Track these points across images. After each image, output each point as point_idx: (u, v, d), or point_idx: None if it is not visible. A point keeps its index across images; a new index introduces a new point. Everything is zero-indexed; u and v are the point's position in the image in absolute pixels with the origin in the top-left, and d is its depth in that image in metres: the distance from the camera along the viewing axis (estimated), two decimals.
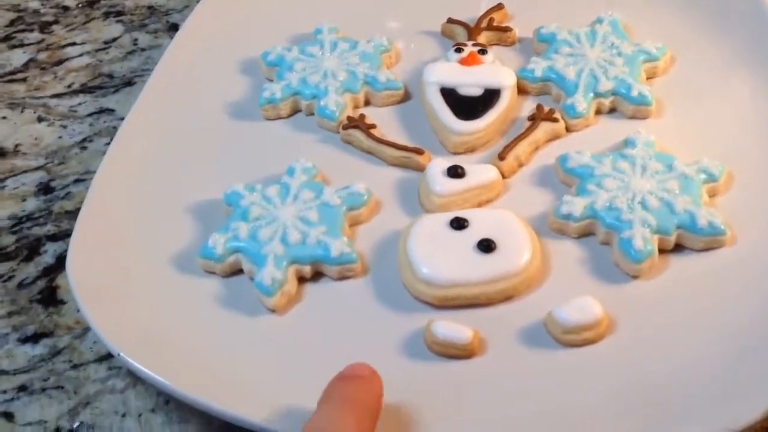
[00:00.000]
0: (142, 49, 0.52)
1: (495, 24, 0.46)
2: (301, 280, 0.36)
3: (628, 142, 0.39)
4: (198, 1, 0.50)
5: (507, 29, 0.46)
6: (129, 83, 0.49)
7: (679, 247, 0.35)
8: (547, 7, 0.48)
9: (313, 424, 0.28)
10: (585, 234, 0.36)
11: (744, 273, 0.34)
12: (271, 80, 0.45)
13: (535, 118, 0.41)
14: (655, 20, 0.46)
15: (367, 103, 0.44)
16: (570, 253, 0.36)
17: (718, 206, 0.37)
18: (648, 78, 0.43)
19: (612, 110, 0.42)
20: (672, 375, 0.31)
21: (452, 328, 0.32)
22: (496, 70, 0.43)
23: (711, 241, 0.35)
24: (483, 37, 0.46)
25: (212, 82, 0.45)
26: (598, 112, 0.42)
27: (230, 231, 0.36)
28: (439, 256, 0.34)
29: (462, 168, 0.38)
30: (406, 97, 0.44)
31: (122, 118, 0.47)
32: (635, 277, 0.35)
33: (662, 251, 0.35)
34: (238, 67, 0.46)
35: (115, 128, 0.47)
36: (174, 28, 0.53)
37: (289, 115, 0.44)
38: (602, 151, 0.40)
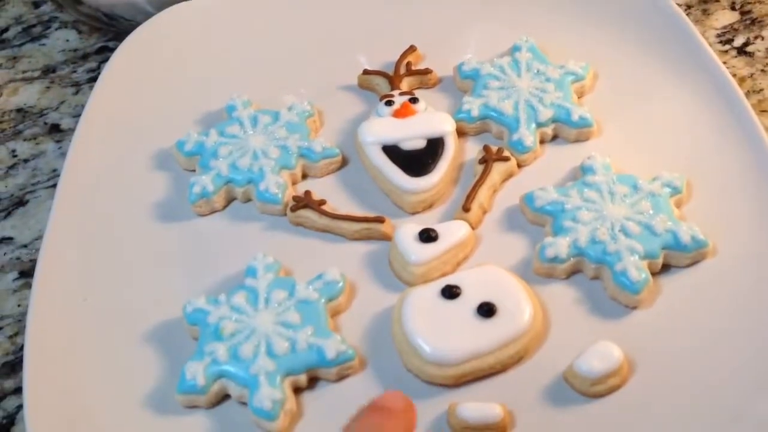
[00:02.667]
0: (25, 161, 0.46)
1: (413, 68, 0.45)
2: (297, 390, 0.33)
3: (585, 169, 0.38)
4: (73, 91, 0.45)
5: (427, 71, 0.44)
6: (21, 203, 0.43)
7: (665, 267, 0.35)
8: (455, 41, 0.47)
9: None
10: (573, 273, 0.36)
11: (735, 278, 0.35)
12: (192, 170, 0.41)
13: (486, 161, 0.39)
14: (568, 39, 0.46)
15: (304, 176, 0.41)
16: (563, 296, 0.35)
17: (687, 217, 0.37)
18: (579, 98, 0.43)
19: (555, 137, 0.41)
20: (704, 397, 0.31)
21: (480, 408, 0.30)
22: (433, 118, 0.41)
23: (696, 255, 0.35)
24: (405, 84, 0.44)
25: (127, 185, 0.41)
26: (542, 141, 0.41)
27: (206, 356, 0.32)
28: (442, 332, 0.32)
29: (434, 230, 0.36)
30: (344, 161, 0.41)
31: (25, 245, 0.41)
32: (634, 308, 0.34)
33: (652, 275, 0.35)
34: (152, 162, 0.42)
35: (20, 259, 0.41)
36: (56, 129, 0.47)
37: (225, 207, 0.40)
38: (561, 183, 0.39)
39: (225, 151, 0.40)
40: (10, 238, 0.42)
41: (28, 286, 0.39)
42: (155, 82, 0.45)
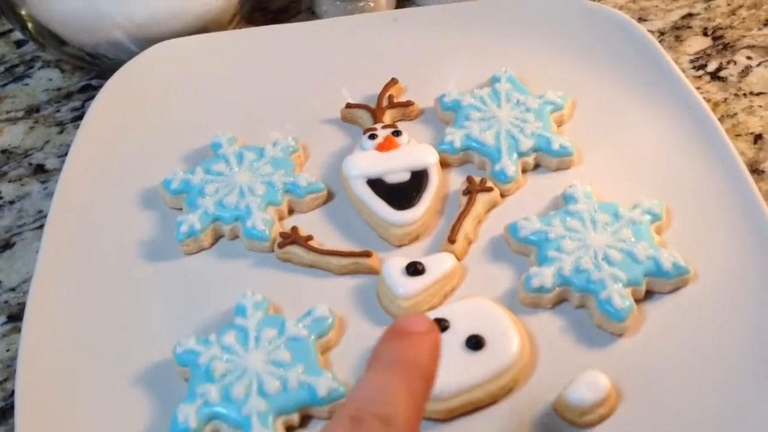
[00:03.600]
0: (11, 202, 0.46)
1: (395, 100, 0.45)
2: (290, 429, 0.33)
3: (567, 198, 0.39)
4: (57, 131, 0.45)
5: (408, 104, 0.45)
6: (7, 245, 0.43)
7: (648, 293, 0.36)
8: (436, 72, 0.48)
9: (356, 393, 0.25)
10: (559, 302, 0.36)
11: (716, 303, 0.35)
12: (179, 209, 0.41)
13: (470, 192, 0.40)
14: (545, 68, 0.46)
15: (291, 211, 0.41)
16: (549, 325, 0.35)
17: (667, 242, 0.38)
18: (558, 127, 0.43)
19: (536, 166, 0.42)
20: (691, 422, 0.32)
21: None
22: (416, 150, 0.42)
23: (678, 281, 0.35)
24: (387, 116, 0.45)
25: (114, 225, 0.41)
26: (524, 170, 0.42)
27: (198, 397, 0.32)
28: None
29: (420, 263, 0.37)
30: (330, 195, 0.42)
31: (12, 289, 0.41)
32: (620, 335, 0.35)
33: (636, 301, 0.35)
34: (138, 201, 0.42)
35: (8, 302, 0.41)
36: (41, 169, 0.47)
37: (212, 244, 0.40)
38: (543, 211, 0.40)
39: (211, 189, 0.41)
40: None
41: (17, 330, 0.39)
42: (140, 120, 0.45)
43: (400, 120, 0.45)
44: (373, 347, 0.27)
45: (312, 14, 0.56)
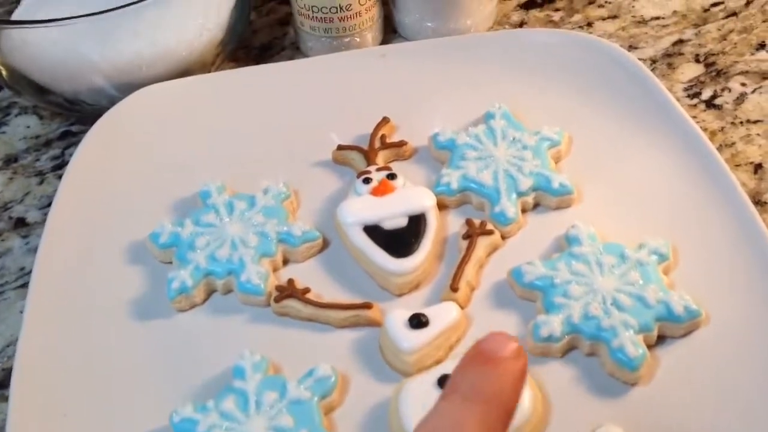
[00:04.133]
0: None
1: (388, 140, 0.44)
2: None
3: (571, 240, 0.38)
4: (38, 181, 0.44)
5: (402, 144, 0.44)
6: None
7: (659, 338, 0.35)
8: (427, 110, 0.46)
9: (427, 423, 0.23)
10: (568, 350, 0.35)
11: (730, 345, 0.34)
12: (169, 263, 0.40)
13: (471, 236, 0.39)
14: (538, 102, 0.46)
15: (285, 261, 0.40)
16: (560, 375, 0.34)
17: (676, 284, 0.37)
18: (555, 163, 0.43)
19: (536, 205, 0.41)
20: None
21: None
22: (412, 194, 0.40)
23: (690, 325, 0.34)
24: (380, 157, 0.43)
25: (102, 283, 0.39)
26: (523, 210, 0.41)
27: None
28: None
29: (424, 315, 0.35)
30: (325, 243, 0.40)
31: None
32: (634, 384, 0.34)
33: (648, 347, 0.34)
34: (126, 256, 0.40)
35: None
36: (21, 223, 0.45)
37: (205, 300, 0.39)
38: (546, 253, 0.39)
39: (202, 242, 0.39)
40: None
41: (4, 398, 0.37)
42: (125, 168, 0.44)
43: (393, 160, 0.44)
44: (453, 370, 0.24)
45: (297, 50, 0.55)
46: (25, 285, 0.42)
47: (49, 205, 0.46)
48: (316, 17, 0.51)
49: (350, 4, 0.50)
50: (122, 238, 0.41)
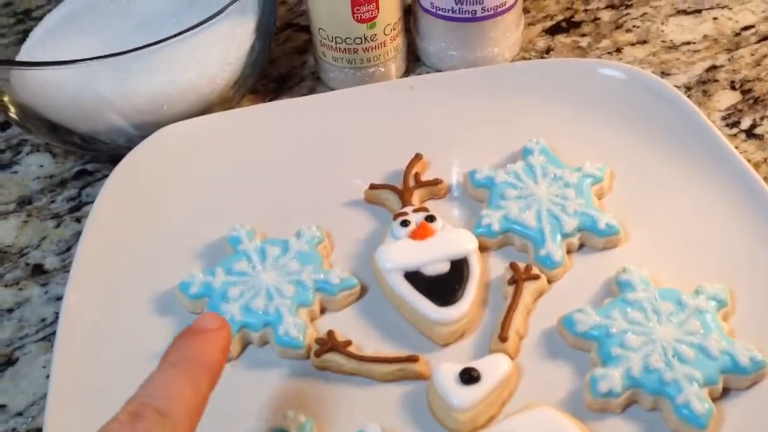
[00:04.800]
0: (9, 310, 0.41)
1: (422, 178, 0.43)
2: None
3: (623, 285, 0.36)
4: (54, 224, 0.42)
5: (437, 182, 0.42)
6: (10, 361, 0.39)
7: (724, 390, 0.33)
8: (458, 144, 0.45)
9: (139, 391, 0.27)
10: (628, 405, 0.33)
11: None
12: (199, 313, 0.38)
13: (516, 281, 0.37)
14: (574, 135, 0.44)
15: (322, 310, 0.38)
16: None
17: (736, 332, 0.35)
18: (598, 200, 0.41)
19: (581, 246, 0.39)
20: None
21: None
22: (454, 237, 0.39)
23: (756, 376, 0.33)
24: (415, 197, 0.42)
25: (130, 336, 0.37)
26: (568, 251, 0.39)
27: None
28: None
29: (475, 370, 0.33)
30: (362, 290, 0.39)
31: (20, 413, 0.38)
32: None
33: (712, 401, 0.33)
34: (154, 306, 0.38)
35: (15, 430, 0.37)
36: (39, 270, 0.43)
37: (240, 353, 0.37)
38: (595, 297, 0.37)
39: (235, 293, 0.37)
40: (2, 406, 0.38)
41: None
42: (150, 212, 0.42)
43: (428, 199, 0.43)
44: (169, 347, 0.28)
45: (317, 80, 0.53)
46: (46, 337, 0.40)
47: (68, 250, 0.44)
48: (340, 48, 0.49)
49: (375, 35, 0.48)
50: (150, 287, 0.39)
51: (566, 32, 0.55)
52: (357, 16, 0.47)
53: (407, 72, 0.53)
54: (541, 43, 0.54)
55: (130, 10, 0.52)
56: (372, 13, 0.47)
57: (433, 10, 0.49)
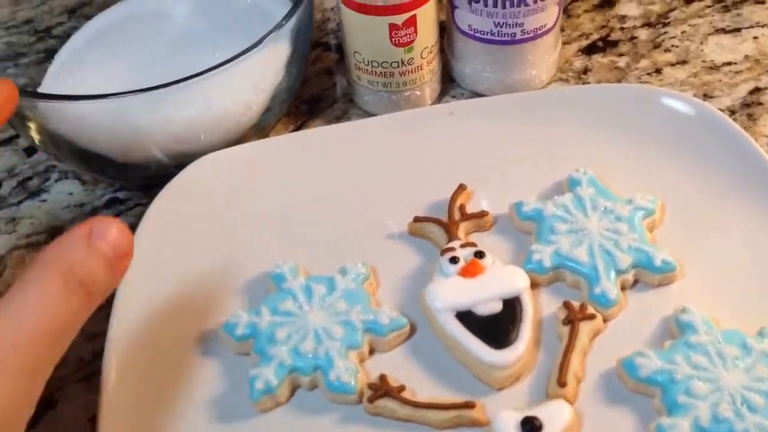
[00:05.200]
0: None
1: (467, 210, 0.42)
2: None
3: (684, 326, 0.35)
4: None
5: (483, 214, 0.41)
6: (50, 404, 0.38)
7: None
8: (501, 172, 0.44)
9: None
10: None
11: None
12: (246, 354, 0.37)
13: (572, 321, 0.36)
14: (620, 165, 0.43)
15: (371, 351, 0.37)
16: None
17: None
18: (650, 232, 0.40)
19: (634, 282, 0.38)
20: None
21: None
22: (505, 275, 0.38)
23: None
24: (461, 230, 0.41)
25: (174, 377, 0.36)
26: (622, 288, 0.38)
27: None
28: None
29: (537, 419, 0.32)
30: (411, 329, 0.38)
31: None
32: None
33: None
34: (196, 348, 0.37)
35: None
36: None
37: (289, 398, 0.36)
38: (653, 338, 0.36)
39: (283, 334, 0.36)
40: None
41: None
42: (188, 248, 0.41)
43: (473, 231, 0.42)
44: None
45: (350, 102, 0.52)
46: (85, 378, 0.39)
47: None
48: (376, 72, 0.48)
49: (412, 58, 0.47)
50: (192, 327, 0.38)
51: (603, 52, 0.54)
52: (395, 41, 0.46)
53: (441, 93, 0.51)
54: (578, 63, 0.53)
55: (159, 31, 0.51)
56: (410, 37, 0.46)
57: (471, 33, 0.48)
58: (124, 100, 0.41)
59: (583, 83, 0.52)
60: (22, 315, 0.26)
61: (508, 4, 0.46)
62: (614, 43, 0.54)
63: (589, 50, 0.54)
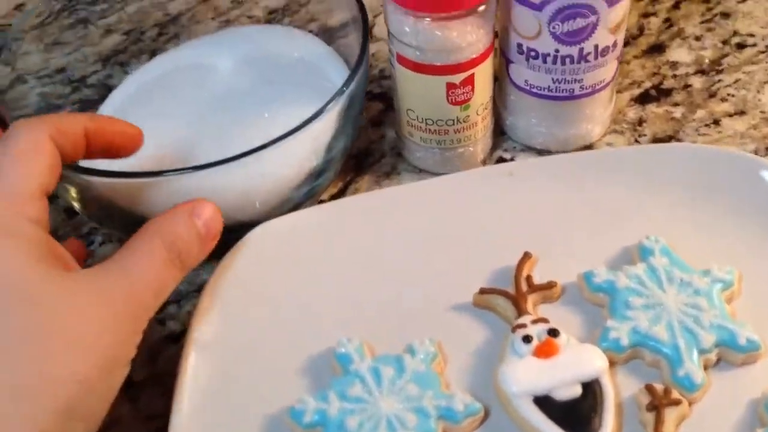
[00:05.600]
0: None
1: (534, 281, 0.40)
2: None
3: None
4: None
5: (551, 286, 0.40)
6: None
7: None
8: (565, 238, 0.42)
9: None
10: None
11: None
12: None
13: (657, 407, 0.35)
14: (693, 232, 0.41)
15: None
16: None
17: None
18: (728, 304, 0.38)
19: (717, 361, 0.37)
20: None
21: None
22: (582, 356, 0.36)
23: None
24: (529, 302, 0.39)
25: None
26: (705, 367, 0.36)
27: None
28: None
29: None
30: (486, 413, 0.36)
31: None
32: None
33: None
34: None
35: None
36: (127, 381, 0.40)
37: None
38: (741, 422, 0.34)
39: (354, 424, 0.34)
40: None
41: None
42: (247, 324, 0.39)
43: (541, 303, 0.40)
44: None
45: (398, 156, 0.50)
46: None
47: (156, 359, 0.42)
48: (430, 129, 0.46)
49: (468, 116, 0.46)
50: (255, 412, 0.36)
51: (657, 101, 0.52)
52: (451, 99, 0.44)
53: (493, 147, 0.50)
54: (632, 113, 0.51)
55: (204, 86, 0.50)
56: (467, 95, 0.45)
57: (527, 88, 0.47)
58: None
59: (639, 135, 0.50)
60: (132, 273, 0.32)
61: (568, 61, 0.44)
62: (668, 92, 0.52)
63: (643, 99, 0.52)
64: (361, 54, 0.42)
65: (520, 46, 0.45)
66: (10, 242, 0.31)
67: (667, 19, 0.58)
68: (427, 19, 0.41)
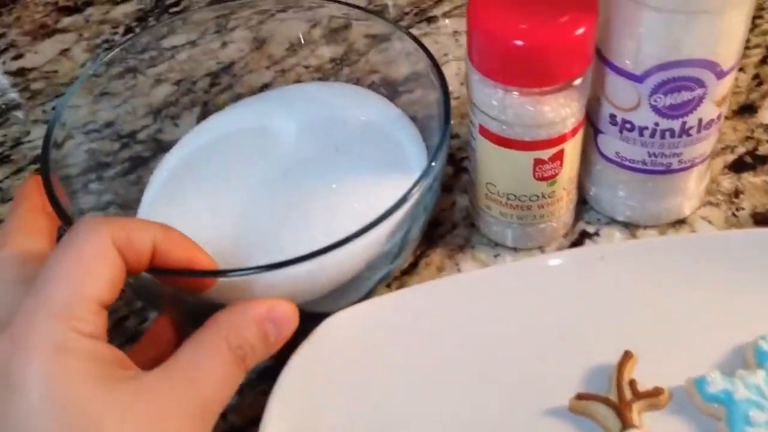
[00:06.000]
0: None
1: (637, 387, 0.36)
2: None
3: None
4: None
5: (659, 392, 0.36)
6: None
7: None
8: (666, 331, 0.38)
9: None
10: None
11: None
12: None
13: None
14: None
15: None
16: None
17: None
18: None
19: None
20: None
21: None
22: None
23: None
24: (634, 411, 0.35)
25: None
26: None
27: None
28: None
29: None
30: None
31: None
32: None
33: None
34: None
35: None
36: None
37: None
38: None
39: None
40: None
41: None
42: (322, 421, 0.36)
43: (645, 410, 0.36)
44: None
45: (471, 227, 0.47)
46: None
47: None
48: (511, 204, 0.43)
49: (554, 192, 0.42)
50: None
51: (753, 169, 0.48)
52: (538, 175, 0.41)
53: (576, 220, 0.46)
54: (727, 183, 0.47)
55: (265, 152, 0.46)
56: (555, 171, 0.41)
57: (619, 160, 0.43)
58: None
59: (737, 209, 0.46)
60: (196, 374, 0.30)
61: (668, 135, 0.40)
62: (764, 159, 0.48)
63: (737, 167, 0.48)
64: (443, 135, 0.38)
65: (613, 117, 0.41)
66: (70, 362, 0.28)
67: (756, 76, 0.54)
68: (517, 92, 0.38)
